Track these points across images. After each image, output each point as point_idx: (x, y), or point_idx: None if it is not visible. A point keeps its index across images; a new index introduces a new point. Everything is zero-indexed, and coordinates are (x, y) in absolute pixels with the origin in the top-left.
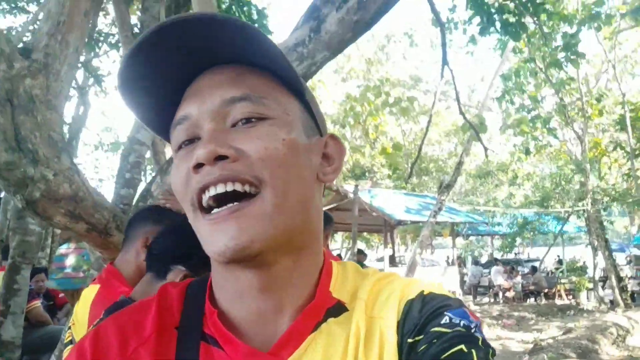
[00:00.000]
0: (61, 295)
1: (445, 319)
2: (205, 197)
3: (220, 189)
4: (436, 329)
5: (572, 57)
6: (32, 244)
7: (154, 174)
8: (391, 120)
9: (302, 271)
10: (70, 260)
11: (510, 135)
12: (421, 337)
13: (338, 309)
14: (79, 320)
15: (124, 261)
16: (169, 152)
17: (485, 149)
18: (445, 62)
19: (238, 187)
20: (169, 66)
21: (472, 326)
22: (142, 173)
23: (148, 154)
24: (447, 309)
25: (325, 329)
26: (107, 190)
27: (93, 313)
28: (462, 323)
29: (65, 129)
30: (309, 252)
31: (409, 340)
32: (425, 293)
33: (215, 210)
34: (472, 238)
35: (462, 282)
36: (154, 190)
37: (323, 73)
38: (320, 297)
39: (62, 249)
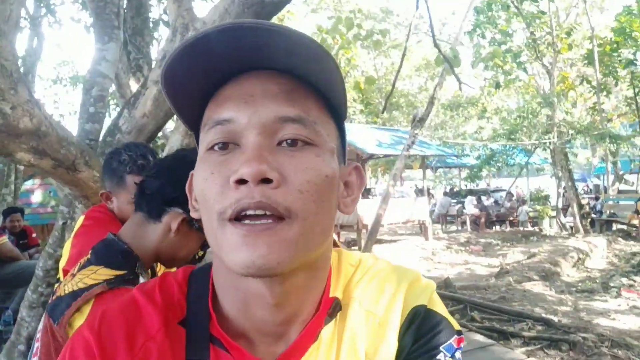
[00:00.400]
0: (34, 235)
1: (440, 355)
2: (241, 215)
3: (259, 213)
4: None
5: None
6: None
7: (120, 108)
8: (363, 54)
9: (313, 286)
10: (37, 197)
11: (481, 70)
12: None
13: (334, 308)
14: (64, 252)
15: (119, 210)
16: (135, 86)
17: (460, 83)
18: None
19: (274, 219)
20: (216, 60)
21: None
22: (107, 107)
23: (112, 88)
24: (443, 344)
25: (325, 336)
26: (70, 127)
27: (75, 242)
28: None
29: (19, 62)
30: (321, 269)
31: None
32: (428, 307)
33: (248, 221)
34: (440, 170)
35: (431, 212)
36: (122, 125)
37: (292, 4)
38: (323, 306)
39: (27, 185)
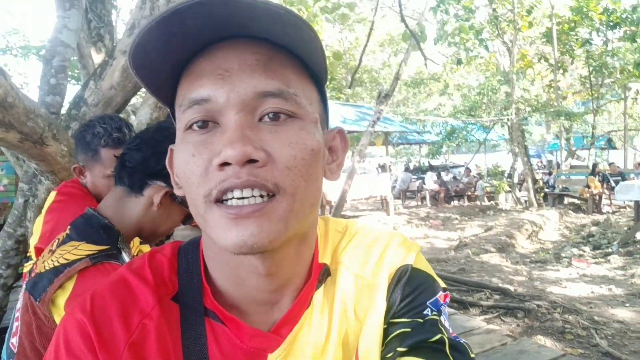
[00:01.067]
0: None
1: (427, 311)
2: (227, 196)
3: (247, 193)
4: (419, 319)
5: None
6: None
7: (84, 79)
8: (328, 28)
9: (302, 254)
10: None
11: (444, 47)
12: (404, 320)
13: (323, 274)
14: (35, 229)
15: (92, 185)
16: (96, 56)
17: (425, 58)
18: None
19: (263, 193)
20: (188, 33)
21: (443, 314)
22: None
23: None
24: (429, 300)
25: (316, 301)
26: None
27: (48, 218)
28: (436, 315)
29: None
30: (310, 237)
31: (392, 320)
32: (414, 266)
33: (234, 202)
34: (401, 147)
35: (392, 188)
36: (88, 97)
37: None
38: (314, 273)
39: None
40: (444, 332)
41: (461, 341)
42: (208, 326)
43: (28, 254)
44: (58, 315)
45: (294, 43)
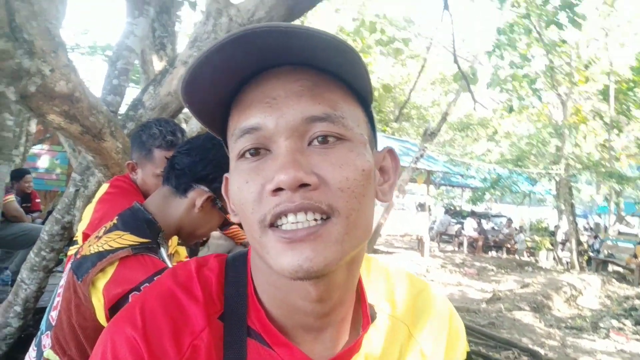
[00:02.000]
0: (38, 200)
1: None
2: (282, 221)
3: (301, 217)
4: None
5: (573, 17)
6: (8, 140)
7: (144, 84)
8: (381, 61)
9: (351, 280)
10: (44, 162)
11: (496, 92)
12: None
13: (371, 316)
14: (84, 216)
15: (142, 181)
16: (157, 63)
17: (474, 101)
18: (446, 6)
19: (317, 216)
20: (233, 63)
21: None
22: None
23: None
24: None
25: (366, 344)
26: None
27: (98, 207)
28: None
29: None
30: (357, 263)
31: None
32: (467, 352)
33: (288, 225)
34: (443, 188)
35: (430, 229)
36: (146, 101)
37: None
38: (364, 313)
39: (35, 149)
40: None
41: None
42: (251, 347)
43: (74, 238)
44: (96, 296)
45: (338, 67)
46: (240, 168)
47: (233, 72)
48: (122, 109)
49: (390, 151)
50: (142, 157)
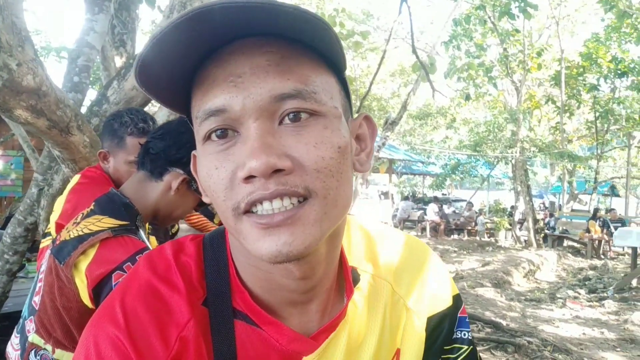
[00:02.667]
0: None
1: (457, 334)
2: (257, 208)
3: (277, 204)
4: (458, 345)
5: (524, 7)
6: None
7: (105, 80)
8: None
9: (333, 254)
10: None
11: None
12: (449, 346)
13: (355, 280)
14: (56, 207)
15: (114, 169)
16: (118, 60)
17: (433, 90)
18: None
19: (294, 201)
20: (191, 40)
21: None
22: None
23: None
24: (460, 324)
25: (351, 308)
26: None
27: (70, 197)
28: (468, 337)
29: None
30: (339, 237)
31: (445, 347)
32: (454, 296)
33: (263, 211)
34: (404, 177)
35: (393, 216)
36: (110, 95)
37: None
38: (347, 278)
39: None
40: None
41: None
42: (239, 329)
43: (47, 230)
44: (79, 278)
45: (307, 36)
46: (208, 152)
47: (191, 51)
48: (84, 108)
49: (366, 117)
50: (114, 145)
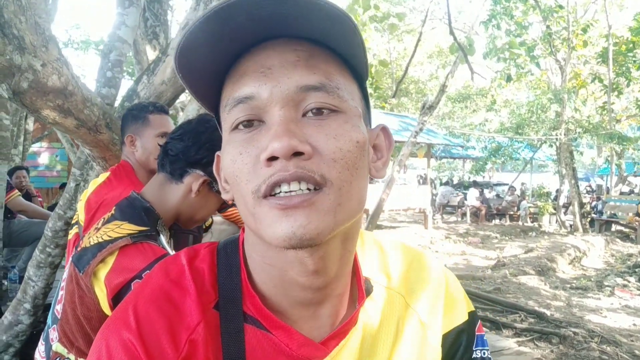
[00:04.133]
0: (35, 197)
1: (477, 354)
2: (276, 191)
3: (294, 186)
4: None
5: None
6: (6, 139)
7: (138, 74)
8: (376, 37)
9: (346, 256)
10: (43, 159)
11: (493, 61)
12: None
13: (368, 290)
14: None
15: (126, 159)
16: (151, 53)
17: (472, 72)
18: None
19: (310, 186)
20: (228, 33)
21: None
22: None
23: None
24: (478, 344)
25: (362, 318)
26: None
27: (96, 193)
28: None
29: None
30: (353, 238)
31: None
32: (470, 312)
33: (283, 193)
34: (444, 160)
35: (432, 201)
36: (141, 91)
37: None
38: (360, 287)
39: (35, 147)
40: None
41: None
42: (249, 333)
43: (73, 221)
44: (98, 287)
45: (334, 40)
46: (234, 140)
47: (226, 42)
48: (117, 102)
49: (384, 129)
50: (138, 126)
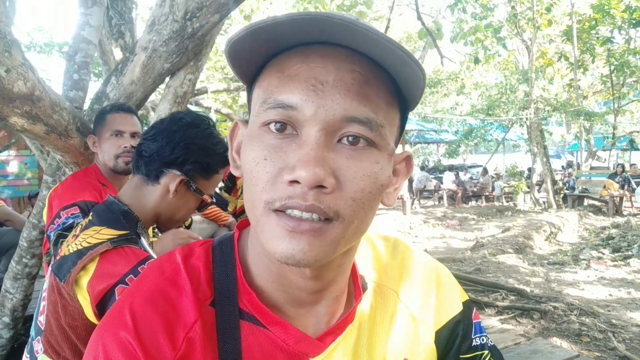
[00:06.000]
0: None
1: (477, 341)
2: (288, 212)
3: (306, 216)
4: (479, 352)
5: None
6: None
7: (105, 75)
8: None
9: (346, 264)
10: (12, 168)
11: (461, 45)
12: (471, 354)
13: (364, 287)
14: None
15: (95, 162)
16: (117, 53)
17: (442, 56)
18: None
19: (322, 217)
20: (282, 39)
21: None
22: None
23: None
24: (476, 331)
25: (358, 314)
26: None
27: (53, 190)
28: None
29: None
30: (355, 247)
31: (463, 355)
32: (464, 302)
33: (294, 214)
34: (418, 146)
35: (410, 187)
36: (110, 92)
37: None
38: (356, 285)
39: (2, 156)
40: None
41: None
42: (245, 329)
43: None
44: (81, 295)
45: (394, 66)
46: (262, 140)
47: (286, 38)
48: (86, 105)
49: (408, 157)
50: (98, 127)
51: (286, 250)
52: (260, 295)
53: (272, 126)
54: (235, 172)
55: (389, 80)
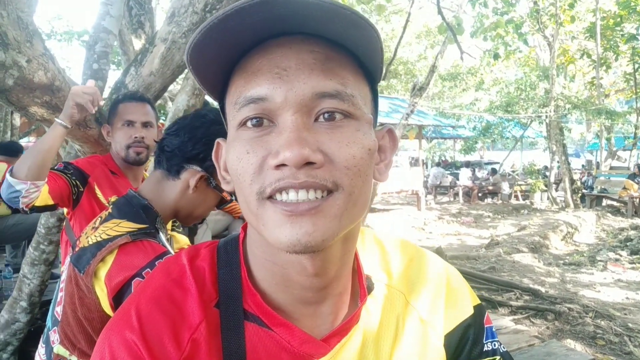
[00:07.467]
0: None
1: (488, 346)
2: (282, 197)
3: (302, 195)
4: (490, 358)
5: None
6: None
7: (125, 65)
8: None
9: (347, 254)
10: None
11: (481, 40)
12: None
13: (369, 288)
14: None
15: (114, 141)
16: (137, 43)
17: (461, 52)
18: None
19: (318, 194)
20: (244, 28)
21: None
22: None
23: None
24: (487, 336)
25: (364, 315)
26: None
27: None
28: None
29: None
30: (354, 237)
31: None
32: (475, 306)
33: (288, 199)
34: (435, 141)
35: (424, 183)
36: (129, 83)
37: None
38: (362, 285)
39: (23, 142)
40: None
41: None
42: (249, 330)
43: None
44: (99, 286)
45: (352, 41)
46: (242, 137)
47: (241, 36)
48: (105, 93)
49: (390, 131)
50: (112, 117)
51: (290, 236)
52: (264, 296)
53: (249, 123)
54: (226, 187)
55: (349, 55)
